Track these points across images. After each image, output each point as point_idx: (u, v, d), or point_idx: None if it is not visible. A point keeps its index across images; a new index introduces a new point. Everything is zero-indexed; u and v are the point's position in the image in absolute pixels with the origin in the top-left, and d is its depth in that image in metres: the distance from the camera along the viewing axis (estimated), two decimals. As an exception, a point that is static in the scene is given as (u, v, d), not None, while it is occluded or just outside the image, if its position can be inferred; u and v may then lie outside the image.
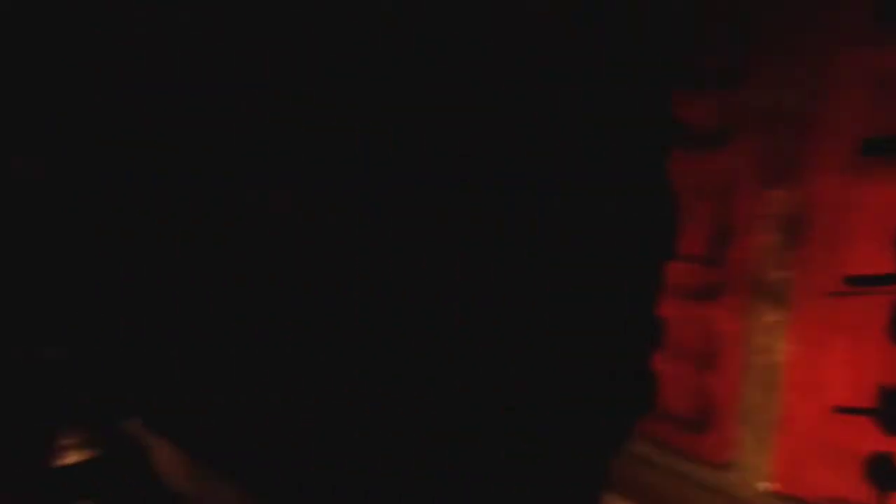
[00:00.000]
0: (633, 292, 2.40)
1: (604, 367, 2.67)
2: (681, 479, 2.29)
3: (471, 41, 2.96)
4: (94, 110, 3.47)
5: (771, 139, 2.08)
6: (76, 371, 3.34)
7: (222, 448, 3.43)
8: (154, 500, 3.54)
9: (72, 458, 3.39)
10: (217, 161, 3.51)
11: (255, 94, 3.33)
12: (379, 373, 3.14)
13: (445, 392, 2.96)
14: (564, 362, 2.71)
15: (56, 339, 3.36)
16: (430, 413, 2.95)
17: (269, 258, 3.41)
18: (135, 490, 3.60)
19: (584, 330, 2.63)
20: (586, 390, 2.59)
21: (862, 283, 1.81)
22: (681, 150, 2.28)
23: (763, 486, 2.09)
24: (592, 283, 2.69)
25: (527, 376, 2.78)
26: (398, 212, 3.10)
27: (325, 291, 3.21)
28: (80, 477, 3.38)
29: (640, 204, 2.61)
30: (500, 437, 2.79)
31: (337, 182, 3.18)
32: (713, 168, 2.17)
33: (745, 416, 2.12)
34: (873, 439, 1.83)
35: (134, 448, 3.71)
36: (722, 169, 2.13)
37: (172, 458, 3.61)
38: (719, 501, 2.16)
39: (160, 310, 3.72)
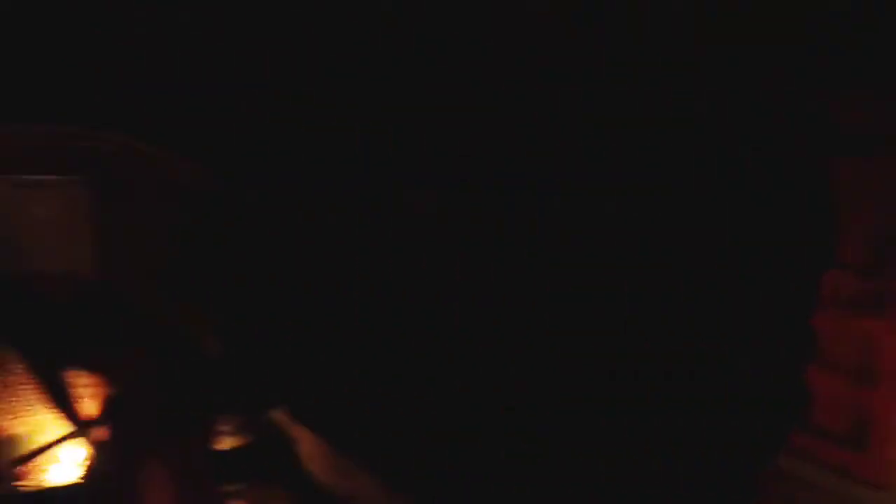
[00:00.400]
0: (788, 301, 2.29)
1: (751, 377, 2.56)
2: (835, 499, 2.17)
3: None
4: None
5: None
6: (231, 362, 3.57)
7: (364, 441, 3.55)
8: (297, 486, 3.73)
9: (227, 443, 3.64)
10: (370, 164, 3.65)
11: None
12: (518, 373, 3.17)
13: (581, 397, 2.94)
14: (712, 373, 2.62)
15: (217, 332, 3.61)
16: (572, 415, 2.94)
17: (412, 258, 3.51)
18: (280, 477, 3.81)
19: (734, 339, 2.54)
20: (733, 401, 2.50)
21: None
22: (842, 154, 2.15)
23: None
24: (746, 291, 2.59)
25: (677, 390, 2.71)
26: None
27: (470, 291, 3.27)
28: (232, 461, 3.60)
29: (794, 211, 2.48)
30: (653, 450, 2.74)
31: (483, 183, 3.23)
32: (878, 173, 2.02)
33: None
34: None
35: (280, 437, 3.93)
36: (888, 174, 1.98)
37: (315, 449, 3.78)
38: (877, 523, 2.03)
39: (309, 306, 3.92)
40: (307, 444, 3.71)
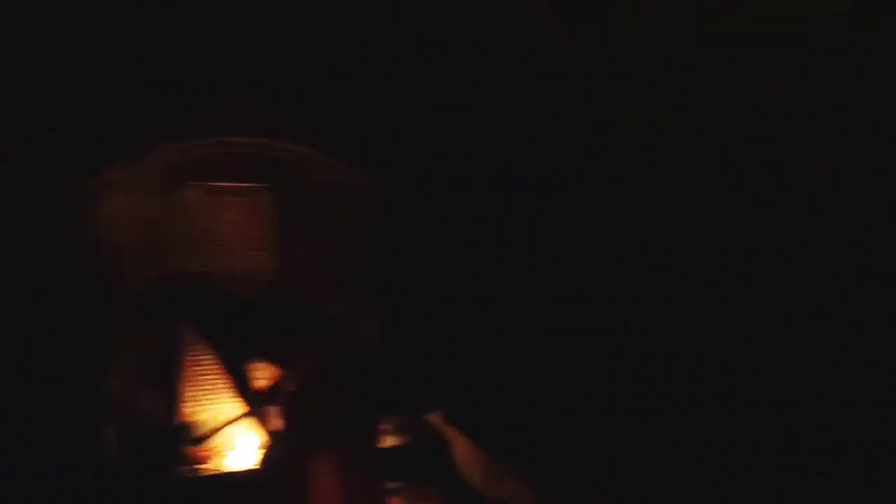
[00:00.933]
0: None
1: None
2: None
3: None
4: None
5: None
6: (395, 363, 3.71)
7: (517, 447, 3.57)
8: (450, 488, 3.79)
9: (387, 442, 3.76)
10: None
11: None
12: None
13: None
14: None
15: (384, 333, 3.77)
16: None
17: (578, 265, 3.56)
18: (434, 478, 3.89)
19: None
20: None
21: None
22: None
23: None
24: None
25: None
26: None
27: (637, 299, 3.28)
28: (390, 460, 3.71)
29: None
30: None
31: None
32: None
33: None
34: None
35: (435, 439, 4.01)
36: None
37: (469, 453, 3.84)
38: None
39: (469, 310, 4.03)
40: (461, 448, 3.77)
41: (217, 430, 3.73)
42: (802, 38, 2.91)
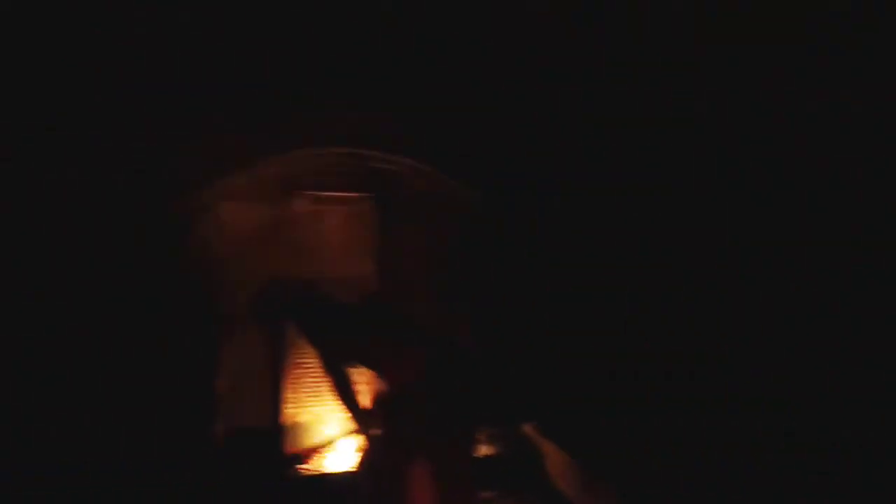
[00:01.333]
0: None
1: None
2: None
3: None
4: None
5: None
6: (491, 373, 3.74)
7: (613, 463, 3.54)
8: (544, 500, 3.78)
9: (481, 452, 3.78)
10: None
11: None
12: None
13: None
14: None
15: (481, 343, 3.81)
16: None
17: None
18: (527, 489, 3.89)
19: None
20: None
21: None
22: None
23: None
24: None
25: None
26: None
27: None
28: (484, 469, 3.73)
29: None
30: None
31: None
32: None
33: None
34: None
35: (529, 450, 4.02)
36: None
37: (563, 465, 3.82)
38: None
39: (566, 323, 4.03)
40: (555, 460, 3.76)
41: (319, 433, 3.84)
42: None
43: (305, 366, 3.81)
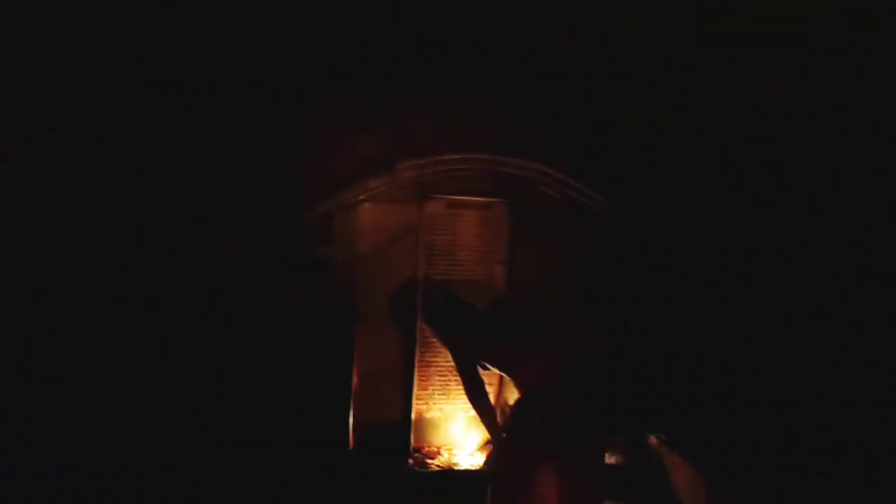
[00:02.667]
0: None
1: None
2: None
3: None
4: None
5: None
6: (620, 380, 3.72)
7: (742, 479, 3.44)
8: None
9: (607, 460, 3.76)
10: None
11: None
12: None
13: None
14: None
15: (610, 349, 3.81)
16: None
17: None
18: (652, 501, 3.83)
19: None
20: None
21: None
22: None
23: None
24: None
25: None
26: None
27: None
28: (611, 478, 3.70)
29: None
30: None
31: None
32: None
33: None
34: None
35: (655, 462, 3.96)
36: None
37: (690, 479, 3.74)
38: None
39: (698, 334, 3.96)
40: (681, 473, 3.69)
41: (448, 429, 3.95)
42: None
43: (436, 364, 3.92)
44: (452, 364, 3.71)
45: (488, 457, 3.24)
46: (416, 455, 3.95)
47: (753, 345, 3.77)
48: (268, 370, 3.63)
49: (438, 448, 4.00)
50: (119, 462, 3.28)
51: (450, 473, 3.80)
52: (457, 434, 4.04)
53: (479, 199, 3.81)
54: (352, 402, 3.76)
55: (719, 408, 3.75)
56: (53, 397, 3.31)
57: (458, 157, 3.72)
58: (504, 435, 3.22)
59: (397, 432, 3.95)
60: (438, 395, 3.98)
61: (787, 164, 3.54)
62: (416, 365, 3.92)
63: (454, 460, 3.91)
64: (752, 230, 3.76)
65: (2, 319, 3.26)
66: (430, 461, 3.91)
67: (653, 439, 3.98)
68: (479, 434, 4.01)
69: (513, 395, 3.56)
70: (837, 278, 3.33)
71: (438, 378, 3.96)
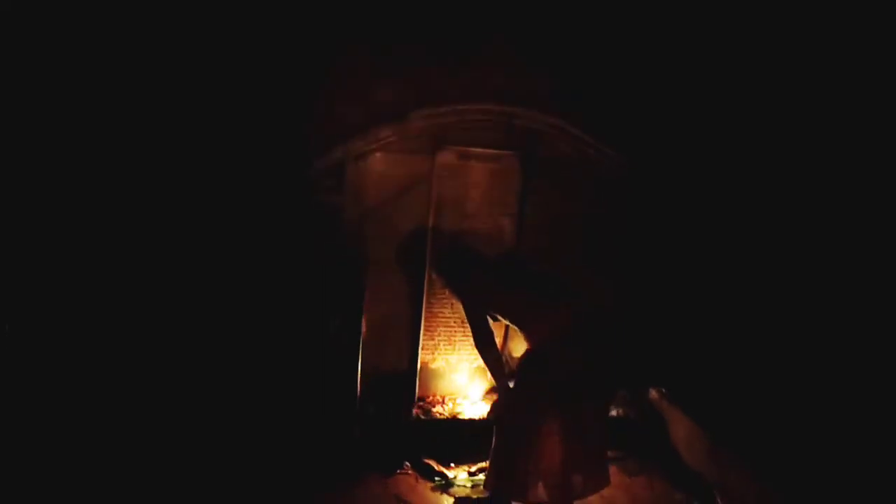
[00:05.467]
0: None
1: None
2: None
3: None
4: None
5: None
6: (629, 336, 3.76)
7: (739, 432, 3.52)
8: (667, 466, 3.80)
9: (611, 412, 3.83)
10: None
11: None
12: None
13: None
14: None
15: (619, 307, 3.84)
16: None
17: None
18: (651, 454, 3.92)
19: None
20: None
21: None
22: None
23: None
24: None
25: None
26: None
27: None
28: (613, 430, 3.75)
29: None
30: None
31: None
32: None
33: None
34: None
35: (656, 416, 4.04)
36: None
37: (689, 433, 3.82)
38: None
39: (703, 294, 4.00)
40: (681, 427, 3.77)
41: (453, 379, 4.00)
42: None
43: (442, 315, 3.94)
44: (458, 315, 3.77)
45: (493, 406, 3.28)
46: (421, 404, 3.99)
47: (757, 303, 3.81)
48: (278, 319, 3.63)
49: (443, 397, 4.04)
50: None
51: (454, 422, 3.85)
52: (461, 384, 4.08)
53: (492, 151, 3.76)
54: (360, 350, 3.76)
55: (719, 363, 3.80)
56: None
57: (472, 107, 3.67)
58: (510, 385, 3.24)
59: (403, 381, 4.00)
60: (444, 345, 4.01)
61: (812, 125, 3.51)
62: (423, 315, 3.93)
63: (458, 410, 3.96)
64: (768, 194, 3.75)
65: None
66: (434, 410, 3.95)
67: (654, 393, 4.04)
68: (483, 384, 4.06)
69: (519, 347, 3.60)
70: (840, 237, 3.36)
71: (444, 329, 3.98)
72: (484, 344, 3.27)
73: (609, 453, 3.41)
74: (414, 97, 3.63)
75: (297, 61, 3.46)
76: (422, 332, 3.95)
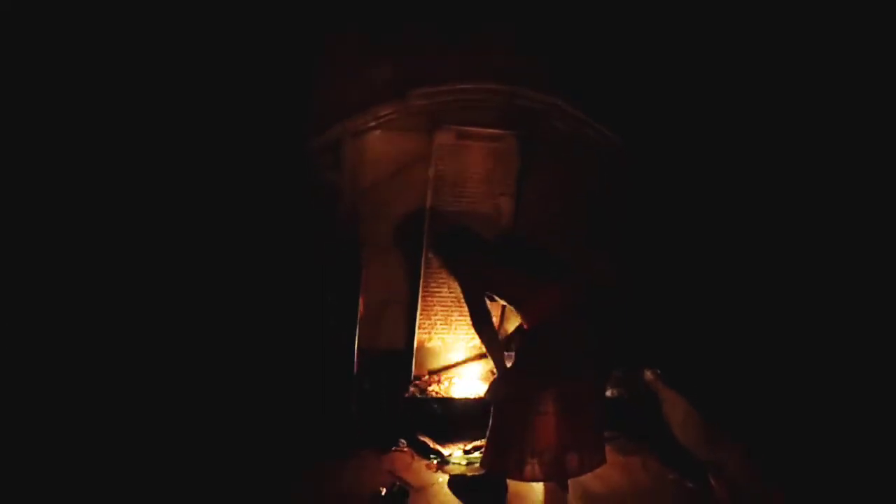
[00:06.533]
0: None
1: None
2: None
3: None
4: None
5: None
6: (627, 316, 3.79)
7: (734, 413, 3.54)
8: (662, 446, 3.83)
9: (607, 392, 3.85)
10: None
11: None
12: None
13: None
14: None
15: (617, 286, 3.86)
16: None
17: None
18: (645, 433, 3.95)
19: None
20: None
21: None
22: None
23: None
24: None
25: None
26: None
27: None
28: (608, 410, 3.78)
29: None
30: None
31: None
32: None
33: None
34: None
35: (650, 395, 4.06)
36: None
37: (684, 413, 3.85)
38: None
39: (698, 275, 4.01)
40: (676, 408, 3.80)
41: (448, 359, 4.01)
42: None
43: (439, 294, 3.95)
44: (455, 295, 3.77)
45: (490, 385, 3.29)
46: (417, 382, 4.01)
47: (753, 285, 3.83)
48: (275, 297, 3.63)
49: (439, 376, 4.05)
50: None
51: (448, 401, 3.87)
52: (456, 364, 4.09)
53: (491, 130, 3.75)
54: (357, 329, 3.77)
55: (714, 345, 3.82)
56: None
57: (472, 86, 3.65)
58: (508, 364, 3.26)
59: (399, 360, 4.01)
60: (441, 324, 4.01)
61: (811, 109, 3.50)
62: (420, 295, 3.93)
63: (453, 389, 3.97)
64: (767, 178, 3.75)
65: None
66: (430, 389, 3.97)
67: (649, 374, 4.07)
68: (480, 365, 4.08)
69: (516, 327, 3.60)
70: (842, 221, 3.37)
71: (441, 308, 3.99)
72: (481, 323, 3.27)
73: (606, 433, 3.42)
74: (413, 75, 3.60)
75: (296, 38, 3.42)
76: (419, 311, 3.94)
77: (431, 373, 4.01)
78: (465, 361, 4.10)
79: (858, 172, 3.30)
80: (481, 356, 4.03)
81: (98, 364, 3.34)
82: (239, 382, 3.47)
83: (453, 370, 4.07)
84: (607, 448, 3.33)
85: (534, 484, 3.27)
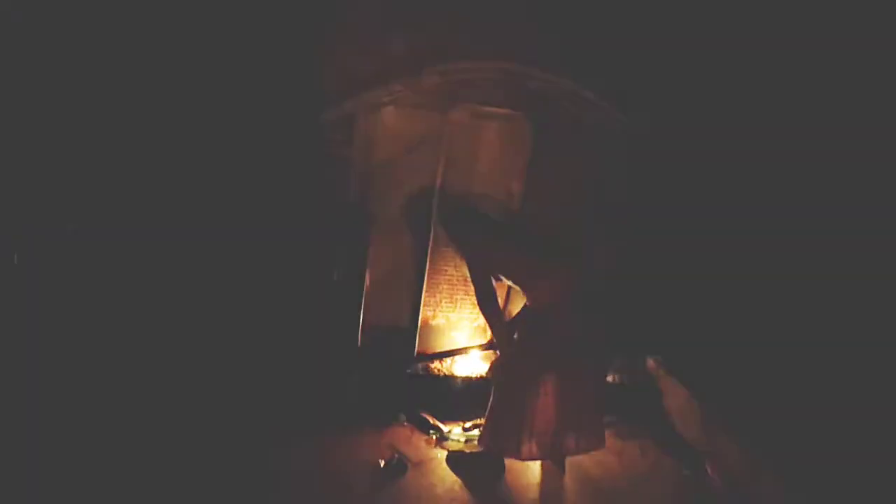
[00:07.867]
0: None
1: None
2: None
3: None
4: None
5: None
6: (627, 301, 3.79)
7: (733, 403, 3.55)
8: (661, 434, 3.85)
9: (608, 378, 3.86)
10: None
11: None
12: None
13: None
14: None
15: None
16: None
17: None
18: (645, 421, 3.96)
19: None
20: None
21: None
22: None
23: None
24: None
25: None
26: None
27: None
28: (609, 396, 3.79)
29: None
30: None
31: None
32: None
33: None
34: None
35: (650, 383, 4.07)
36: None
37: (683, 402, 3.86)
38: None
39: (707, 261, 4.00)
40: (675, 396, 3.80)
41: (452, 337, 4.03)
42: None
43: (445, 273, 3.96)
44: (461, 274, 3.78)
45: (492, 364, 3.31)
46: (420, 359, 4.03)
47: (756, 274, 3.82)
48: (281, 271, 3.65)
49: (441, 354, 4.08)
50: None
51: (453, 379, 3.89)
52: (460, 343, 4.11)
53: (504, 110, 3.73)
54: (363, 305, 3.78)
55: (715, 335, 3.82)
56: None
57: (486, 65, 3.63)
58: (510, 346, 3.27)
59: (404, 336, 4.03)
60: (446, 302, 4.03)
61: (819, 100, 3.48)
62: (427, 272, 3.94)
63: (455, 368, 3.99)
64: (774, 164, 3.73)
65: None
66: (432, 366, 3.99)
67: (650, 361, 4.07)
68: (484, 344, 4.10)
69: (520, 308, 3.62)
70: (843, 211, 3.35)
71: (447, 286, 4.00)
72: (486, 302, 3.28)
73: (606, 418, 3.44)
74: (428, 53, 3.58)
75: (311, 12, 3.40)
76: (424, 288, 3.96)
77: (431, 357, 4.00)
78: (465, 349, 4.09)
79: (865, 162, 3.28)
80: (483, 346, 4.04)
81: (103, 333, 3.37)
82: (243, 355, 3.49)
83: (456, 349, 4.07)
84: (606, 433, 3.33)
85: (531, 463, 3.27)
